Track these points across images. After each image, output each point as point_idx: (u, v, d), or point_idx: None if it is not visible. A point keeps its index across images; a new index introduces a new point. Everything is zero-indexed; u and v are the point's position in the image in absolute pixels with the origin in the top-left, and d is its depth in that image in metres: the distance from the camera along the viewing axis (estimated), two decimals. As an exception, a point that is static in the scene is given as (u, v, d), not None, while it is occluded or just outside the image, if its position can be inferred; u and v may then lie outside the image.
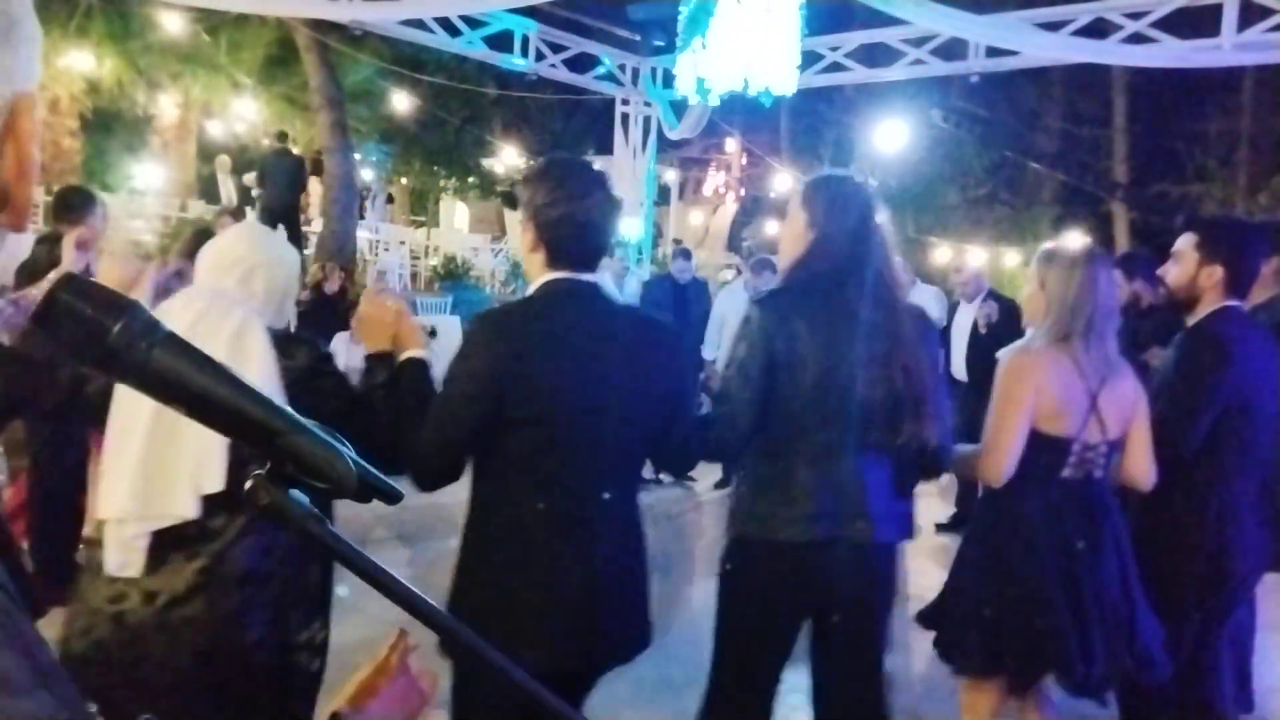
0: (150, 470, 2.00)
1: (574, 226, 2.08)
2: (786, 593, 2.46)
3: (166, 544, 2.03)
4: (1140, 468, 2.91)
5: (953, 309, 7.01)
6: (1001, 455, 2.77)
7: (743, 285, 8.07)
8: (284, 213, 12.46)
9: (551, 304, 2.11)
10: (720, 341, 7.58)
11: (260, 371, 2.01)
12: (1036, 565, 2.75)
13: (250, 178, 13.85)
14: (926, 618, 2.98)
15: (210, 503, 2.02)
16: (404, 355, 2.23)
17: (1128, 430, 2.84)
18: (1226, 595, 3.11)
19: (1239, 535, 3.02)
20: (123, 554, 2.02)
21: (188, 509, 2.00)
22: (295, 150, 13.21)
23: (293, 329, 2.37)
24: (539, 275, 2.14)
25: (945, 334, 6.61)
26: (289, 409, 0.68)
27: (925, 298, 7.26)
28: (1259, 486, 3.07)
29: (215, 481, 1.99)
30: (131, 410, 2.02)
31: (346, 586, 2.07)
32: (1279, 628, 4.31)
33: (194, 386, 0.65)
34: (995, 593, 2.79)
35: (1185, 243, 3.11)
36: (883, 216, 2.53)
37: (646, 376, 2.14)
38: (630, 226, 10.44)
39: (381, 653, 0.99)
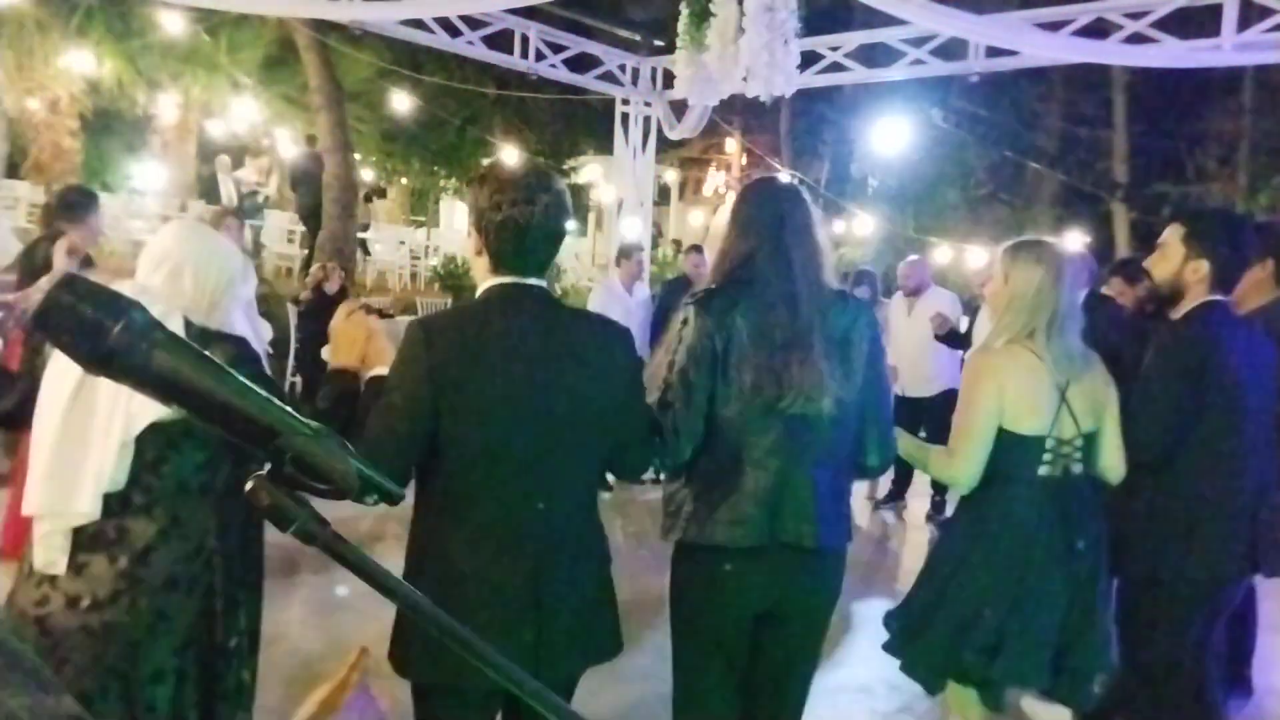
0: (58, 469, 2.03)
1: (517, 231, 2.06)
2: (731, 598, 2.41)
3: (86, 545, 2.05)
4: (1109, 460, 2.86)
5: (973, 312, 6.84)
6: (967, 459, 2.73)
7: None
8: (316, 213, 13.29)
9: (491, 309, 2.10)
10: None
11: None
12: (1034, 568, 2.71)
13: (242, 172, 13.94)
14: (893, 623, 2.92)
15: (128, 505, 2.04)
16: (370, 373, 2.25)
17: (1099, 423, 2.81)
18: (1204, 601, 2.98)
19: (1217, 537, 2.90)
20: (46, 552, 2.05)
21: (89, 507, 2.02)
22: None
23: (280, 326, 2.40)
24: (484, 280, 2.13)
25: (967, 337, 6.50)
26: (290, 409, 0.69)
27: (942, 302, 7.17)
28: (1246, 486, 2.95)
29: (114, 481, 2.01)
30: (49, 409, 2.05)
31: (346, 586, 2.07)
32: (1279, 629, 4.31)
33: (194, 387, 0.65)
34: (987, 599, 2.72)
35: (1171, 234, 3.01)
36: (807, 218, 2.46)
37: (594, 381, 2.10)
38: (630, 226, 10.44)
39: (341, 671, 0.95)
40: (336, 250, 12.78)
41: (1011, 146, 18.29)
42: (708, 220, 28.11)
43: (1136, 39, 7.22)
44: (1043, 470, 2.73)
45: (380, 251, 16.63)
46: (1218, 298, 2.95)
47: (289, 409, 0.68)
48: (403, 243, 17.29)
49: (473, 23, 8.86)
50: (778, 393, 2.31)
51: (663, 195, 21.43)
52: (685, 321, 2.39)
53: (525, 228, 2.05)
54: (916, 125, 16.13)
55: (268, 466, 0.69)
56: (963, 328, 6.79)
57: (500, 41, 9.23)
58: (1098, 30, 7.44)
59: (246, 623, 2.18)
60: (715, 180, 29.28)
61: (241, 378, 0.67)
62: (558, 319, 2.14)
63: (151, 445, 2.07)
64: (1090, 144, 18.99)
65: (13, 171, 14.65)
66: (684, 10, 7.27)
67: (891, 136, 15.28)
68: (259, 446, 0.67)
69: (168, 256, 2.19)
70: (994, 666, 2.71)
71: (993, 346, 2.78)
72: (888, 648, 2.93)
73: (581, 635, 2.12)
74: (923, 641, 2.83)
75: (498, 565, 2.02)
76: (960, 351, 6.36)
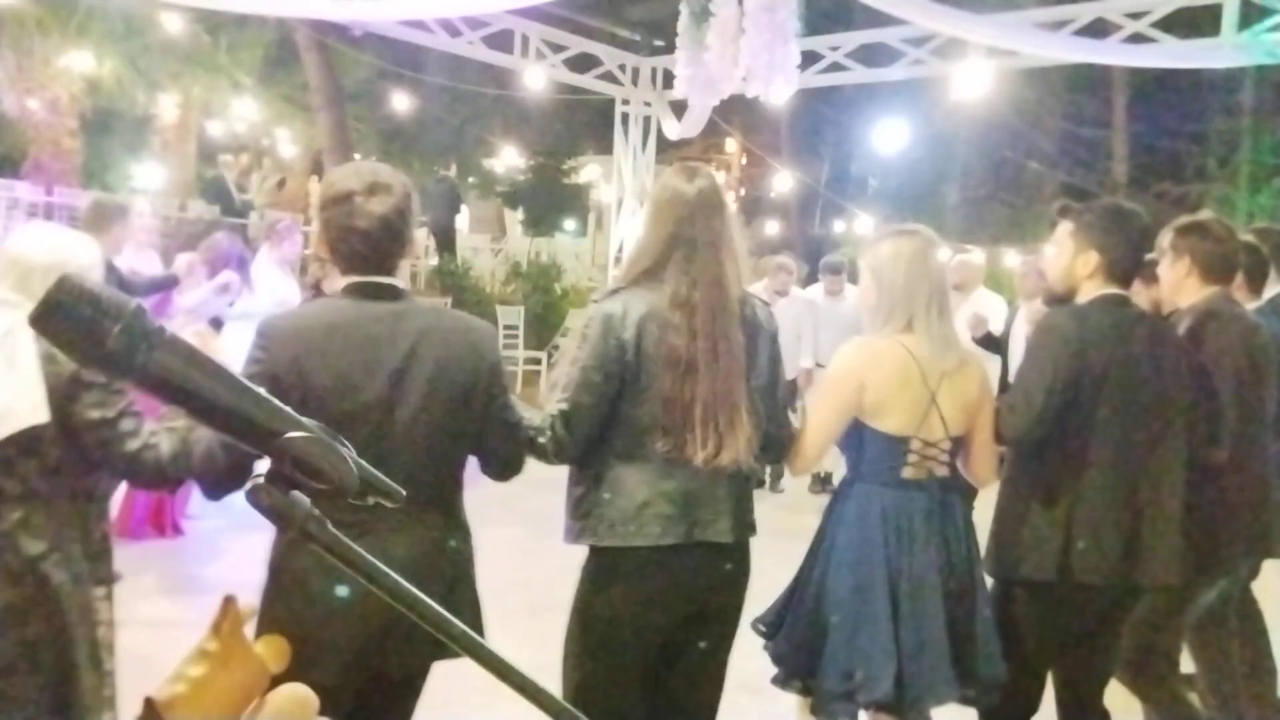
0: None
1: (353, 230, 2.08)
2: (654, 601, 2.37)
3: None
4: (977, 465, 2.76)
5: (1013, 312, 6.43)
6: (804, 449, 2.65)
7: (762, 288, 8.10)
8: (444, 232, 14.72)
9: (334, 308, 2.13)
10: None
11: (24, 374, 2.08)
12: (866, 573, 2.59)
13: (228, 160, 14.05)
14: (766, 625, 2.81)
15: None
16: None
17: (971, 425, 2.69)
18: (1075, 607, 2.77)
19: (1087, 545, 2.70)
20: None
21: None
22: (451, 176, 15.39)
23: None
24: (338, 281, 2.17)
25: (1004, 341, 6.16)
26: (289, 410, 0.69)
27: (986, 304, 6.78)
28: (1120, 488, 2.73)
29: None
30: None
31: (346, 586, 2.08)
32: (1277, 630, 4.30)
33: (193, 388, 0.65)
34: (833, 600, 2.63)
35: (1061, 230, 2.91)
36: (713, 214, 2.38)
37: (446, 377, 2.10)
38: (630, 227, 10.45)
39: (207, 631, 0.82)
40: (336, 250, 12.77)
41: (1011, 146, 18.29)
42: (708, 220, 28.09)
43: (1136, 39, 7.23)
44: (906, 472, 2.62)
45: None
46: (1114, 291, 2.81)
47: (288, 409, 0.68)
48: (402, 243, 17.24)
49: (473, 23, 8.86)
50: (684, 393, 2.29)
51: (663, 195, 21.39)
52: (591, 319, 2.38)
53: (364, 228, 2.07)
54: (916, 125, 16.13)
55: (268, 466, 0.69)
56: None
57: (500, 41, 9.23)
58: (1098, 30, 7.45)
59: (104, 616, 2.23)
60: (715, 180, 29.26)
61: (242, 379, 0.67)
62: (409, 315, 2.14)
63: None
64: (1090, 144, 18.99)
65: (13, 172, 14.65)
66: (684, 10, 7.27)
67: (891, 136, 15.28)
68: (258, 446, 0.67)
69: (16, 263, 2.23)
70: (903, 690, 2.55)
71: (860, 341, 2.69)
72: (766, 649, 2.81)
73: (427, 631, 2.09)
74: (783, 638, 2.75)
75: (340, 568, 2.00)
76: (997, 356, 6.08)
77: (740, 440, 2.33)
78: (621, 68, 10.13)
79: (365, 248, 2.10)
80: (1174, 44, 7.09)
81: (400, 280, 2.19)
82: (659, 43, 9.85)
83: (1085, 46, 7.41)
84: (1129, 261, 2.83)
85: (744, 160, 27.06)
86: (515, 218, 22.40)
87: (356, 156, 15.58)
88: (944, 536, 2.63)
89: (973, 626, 2.65)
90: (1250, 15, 6.67)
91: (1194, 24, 7.25)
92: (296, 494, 0.68)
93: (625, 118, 10.42)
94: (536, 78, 9.51)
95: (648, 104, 10.29)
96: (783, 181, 17.62)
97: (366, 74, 14.59)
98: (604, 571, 2.41)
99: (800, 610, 2.71)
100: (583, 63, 9.92)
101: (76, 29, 13.65)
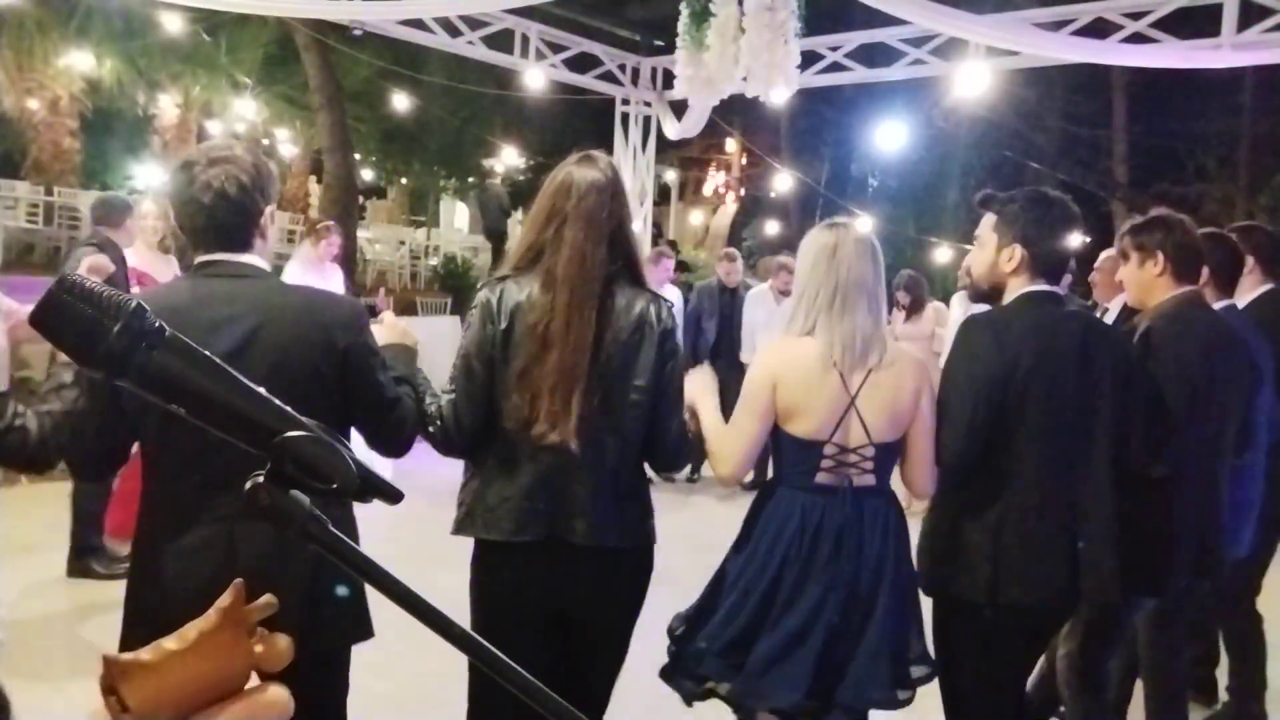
0: None
1: (197, 205, 2.05)
2: (517, 596, 2.33)
3: None
4: (913, 475, 2.60)
5: None
6: (727, 454, 2.54)
7: (768, 287, 8.19)
8: (499, 236, 15.97)
9: (178, 290, 2.12)
10: (754, 346, 7.78)
11: None
12: (778, 577, 2.48)
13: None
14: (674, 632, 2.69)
15: None
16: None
17: (906, 433, 2.54)
18: (1016, 630, 2.62)
19: (1018, 564, 2.53)
20: None
21: None
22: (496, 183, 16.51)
23: None
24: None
25: None
26: (290, 409, 0.68)
27: None
28: (1052, 504, 2.57)
29: None
30: None
31: (346, 587, 2.07)
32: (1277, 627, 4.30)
33: (194, 387, 0.65)
34: (738, 605, 2.52)
35: (984, 224, 2.74)
36: (597, 202, 2.30)
37: (291, 359, 2.03)
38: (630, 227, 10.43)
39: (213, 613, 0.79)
40: (336, 250, 12.77)
41: (1011, 146, 18.28)
42: (707, 220, 28.11)
43: (1136, 39, 7.22)
44: (820, 478, 2.49)
45: (380, 251, 16.63)
46: (1042, 287, 2.63)
47: (288, 409, 0.68)
48: (403, 243, 17.29)
49: (473, 23, 8.85)
50: (536, 370, 2.24)
51: (663, 195, 21.43)
52: (475, 306, 2.35)
53: (205, 203, 2.04)
54: (916, 125, 16.12)
55: (268, 466, 0.69)
56: None
57: (500, 41, 9.22)
58: (1098, 30, 7.44)
59: None
60: (715, 180, 29.28)
61: (242, 378, 0.67)
62: (261, 293, 2.09)
63: None
64: (1090, 144, 18.98)
65: (13, 172, 14.64)
66: (684, 10, 7.26)
67: (891, 136, 15.26)
68: (259, 446, 0.67)
69: None
70: (741, 684, 2.48)
71: (786, 337, 2.57)
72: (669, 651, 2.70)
73: (299, 621, 2.07)
74: (684, 647, 2.63)
75: (207, 550, 2.01)
76: None
77: (572, 421, 2.22)
78: (621, 68, 10.13)
79: (204, 221, 2.06)
80: (1174, 44, 7.08)
81: (254, 258, 2.12)
82: (659, 43, 9.84)
83: (1085, 46, 7.40)
84: (1056, 254, 2.64)
85: (744, 160, 27.04)
86: (515, 217, 22.40)
87: (356, 156, 15.60)
88: (860, 547, 2.48)
89: (856, 649, 2.48)
90: (1250, 15, 6.67)
91: (1194, 24, 7.24)
92: (296, 494, 0.68)
93: (625, 118, 10.42)
94: (536, 78, 9.50)
95: (648, 104, 10.28)
96: (783, 181, 17.61)
97: (366, 74, 14.58)
98: (477, 561, 2.39)
99: (714, 611, 2.61)
100: (583, 63, 9.92)
101: (76, 29, 13.65)
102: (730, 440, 2.56)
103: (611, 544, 2.32)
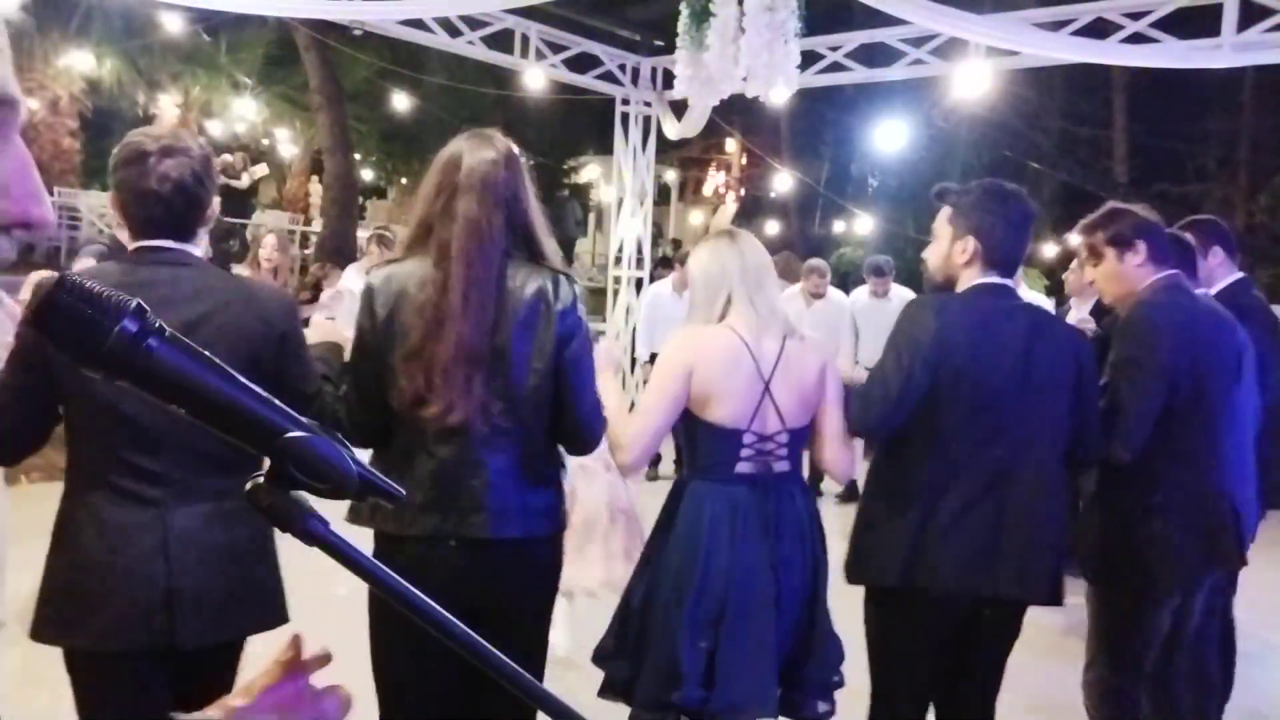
0: None
1: (155, 197, 2.05)
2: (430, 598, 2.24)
3: None
4: (828, 455, 2.58)
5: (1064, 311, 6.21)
6: (630, 440, 2.46)
7: (799, 290, 8.29)
8: (570, 244, 16.61)
9: (119, 274, 2.09)
10: None
11: None
12: (691, 576, 2.41)
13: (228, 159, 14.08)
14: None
15: None
16: None
17: (816, 415, 2.53)
18: (935, 620, 2.58)
19: (935, 551, 2.48)
20: None
21: None
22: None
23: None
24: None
25: None
26: (290, 409, 0.68)
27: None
28: (978, 496, 2.51)
29: None
30: None
31: (346, 587, 2.07)
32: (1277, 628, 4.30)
33: (193, 387, 0.65)
34: (648, 605, 2.47)
35: (940, 217, 2.72)
36: (486, 179, 2.19)
37: (231, 346, 2.01)
38: (630, 227, 10.44)
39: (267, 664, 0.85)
40: (336, 249, 12.79)
41: (1011, 146, 18.28)
42: (708, 220, 28.11)
43: (1136, 39, 7.22)
44: (741, 467, 2.46)
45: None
46: (993, 280, 2.58)
47: (289, 409, 0.68)
48: (403, 243, 17.27)
49: (473, 23, 8.85)
50: (427, 349, 2.14)
51: (663, 195, 21.43)
52: (363, 292, 2.27)
53: (152, 191, 2.04)
54: (916, 125, 16.12)
55: (267, 466, 0.69)
56: None
57: (500, 41, 9.21)
58: (1098, 30, 7.44)
59: None
60: (715, 180, 29.28)
61: (241, 378, 0.67)
62: (190, 282, 2.08)
63: None
64: (1090, 144, 18.99)
65: (13, 172, 14.60)
66: (684, 10, 7.26)
67: (891, 136, 15.27)
68: (259, 445, 0.67)
69: None
70: (712, 699, 2.39)
71: (696, 325, 2.54)
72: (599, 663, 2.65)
73: (221, 603, 2.09)
74: (617, 669, 2.56)
75: (126, 540, 2.02)
76: None
77: (475, 401, 2.13)
78: (621, 68, 10.12)
79: (159, 211, 2.06)
80: (1174, 44, 7.08)
81: (195, 247, 2.12)
82: (659, 43, 9.84)
83: (1085, 46, 7.40)
84: (1009, 247, 2.60)
85: (744, 160, 27.04)
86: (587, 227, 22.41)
87: (356, 156, 15.60)
88: (779, 536, 2.46)
89: (812, 631, 2.50)
90: (1250, 15, 6.67)
91: (1194, 24, 7.24)
92: (297, 494, 0.68)
93: (625, 118, 10.41)
94: (536, 78, 9.50)
95: (648, 104, 10.28)
96: (783, 181, 17.62)
97: (366, 74, 14.59)
98: (375, 555, 2.29)
99: (630, 617, 2.54)
100: (583, 63, 9.91)
101: (76, 29, 13.65)
102: (635, 426, 2.47)
103: (513, 535, 2.19)
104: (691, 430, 2.50)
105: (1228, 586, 3.53)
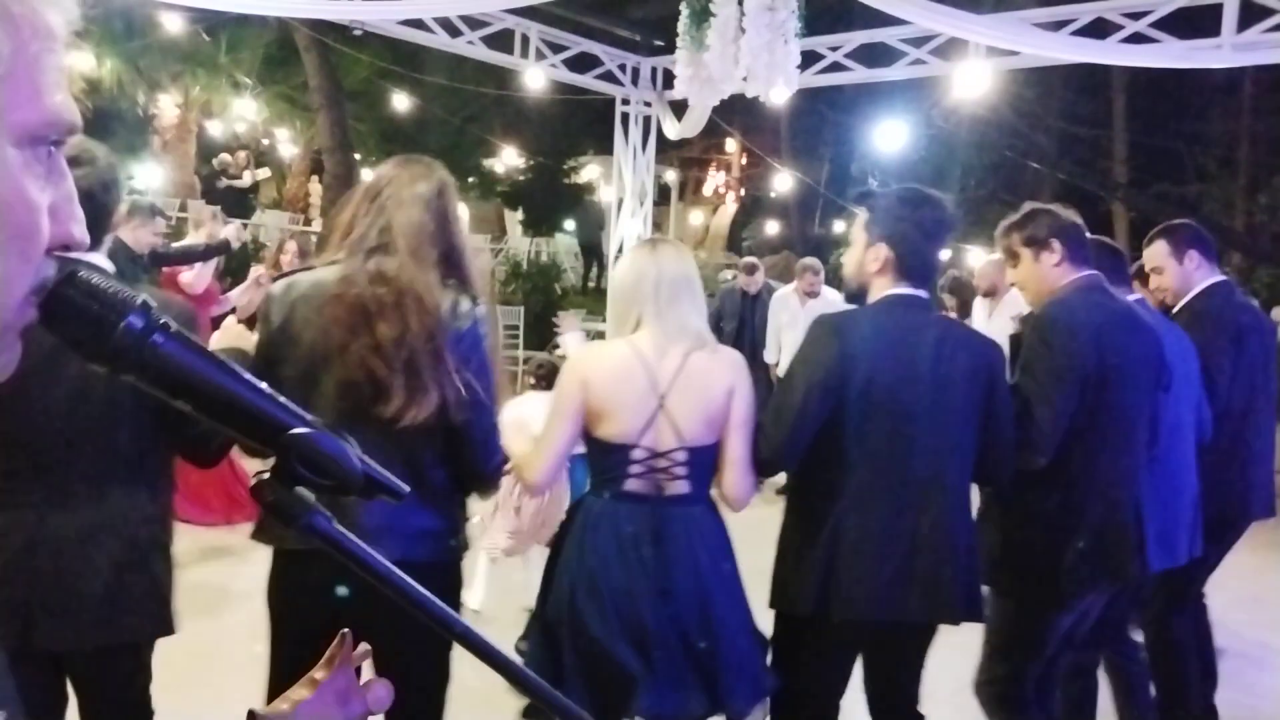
0: None
1: None
2: (302, 606, 2.14)
3: None
4: (726, 479, 2.42)
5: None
6: (530, 460, 2.39)
7: (793, 290, 8.43)
8: (594, 247, 17.14)
9: None
10: (780, 347, 8.14)
11: None
12: (587, 592, 2.32)
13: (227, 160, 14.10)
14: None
15: None
16: None
17: (722, 436, 2.39)
18: (844, 644, 2.53)
19: (850, 579, 2.41)
20: None
21: None
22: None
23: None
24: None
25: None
26: (294, 405, 0.69)
27: (1021, 304, 6.80)
28: (889, 518, 2.44)
29: None
30: None
31: (347, 587, 2.06)
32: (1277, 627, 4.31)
33: (198, 383, 0.65)
34: (549, 619, 2.40)
35: (856, 222, 2.63)
36: (400, 186, 2.14)
37: None
38: (630, 227, 10.44)
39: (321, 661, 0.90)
40: (336, 250, 12.80)
41: (1011, 146, 18.29)
42: (707, 220, 28.10)
43: (1136, 39, 7.22)
44: (630, 485, 2.35)
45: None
46: (905, 291, 2.48)
47: (293, 405, 0.68)
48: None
49: (473, 23, 8.85)
50: (332, 378, 2.08)
51: (663, 195, 21.45)
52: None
53: None
54: (916, 125, 16.13)
55: (272, 463, 0.69)
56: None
57: (500, 41, 9.22)
58: (1098, 30, 7.44)
59: None
60: (715, 180, 29.28)
61: (247, 374, 0.67)
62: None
63: None
64: (1090, 144, 18.99)
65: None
66: (684, 10, 7.26)
67: (891, 136, 15.28)
68: (264, 442, 0.67)
69: None
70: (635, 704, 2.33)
71: (598, 341, 2.52)
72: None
73: (92, 610, 2.09)
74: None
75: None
76: None
77: (434, 396, 2.06)
78: (621, 68, 10.13)
79: None
80: (1174, 44, 7.08)
81: (101, 256, 2.10)
82: (659, 43, 9.84)
83: (1085, 46, 7.41)
84: (922, 256, 2.50)
85: (744, 160, 27.04)
86: (515, 218, 22.41)
87: (356, 156, 15.61)
88: (667, 559, 2.33)
89: (714, 660, 2.36)
90: (1250, 15, 6.67)
91: (1194, 24, 7.24)
92: (301, 490, 0.68)
93: (625, 118, 10.41)
94: (536, 78, 9.51)
95: (648, 104, 10.28)
96: (783, 181, 17.62)
97: (366, 74, 14.60)
98: (271, 568, 2.25)
99: (535, 630, 2.47)
100: (583, 63, 9.91)
101: (76, 29, 13.64)
102: (538, 444, 2.40)
103: (397, 557, 2.06)
104: (589, 446, 2.43)
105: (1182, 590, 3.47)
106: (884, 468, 2.41)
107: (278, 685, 2.25)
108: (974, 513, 2.63)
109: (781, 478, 2.76)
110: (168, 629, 2.24)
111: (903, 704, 2.69)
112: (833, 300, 8.17)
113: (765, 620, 2.60)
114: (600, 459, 2.41)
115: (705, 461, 2.40)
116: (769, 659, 2.56)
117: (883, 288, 2.50)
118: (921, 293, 2.51)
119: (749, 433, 2.41)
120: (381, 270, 2.09)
